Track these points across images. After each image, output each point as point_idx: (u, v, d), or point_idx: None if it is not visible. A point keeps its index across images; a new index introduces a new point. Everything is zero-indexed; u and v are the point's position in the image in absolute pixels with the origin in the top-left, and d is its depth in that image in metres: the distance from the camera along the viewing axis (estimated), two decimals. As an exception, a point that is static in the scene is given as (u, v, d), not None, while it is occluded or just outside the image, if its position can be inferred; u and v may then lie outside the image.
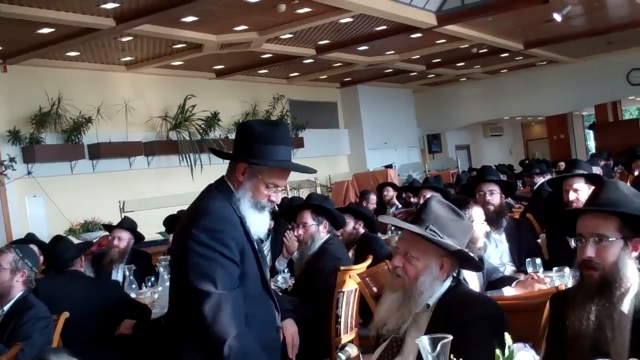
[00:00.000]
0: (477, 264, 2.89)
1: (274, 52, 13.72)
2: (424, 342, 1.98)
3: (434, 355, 1.96)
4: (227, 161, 3.14)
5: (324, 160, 18.47)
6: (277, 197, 3.04)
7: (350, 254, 5.73)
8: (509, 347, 1.86)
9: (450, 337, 1.97)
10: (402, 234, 2.82)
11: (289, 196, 9.47)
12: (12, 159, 8.91)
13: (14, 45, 10.66)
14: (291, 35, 12.66)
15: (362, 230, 6.10)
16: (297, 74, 16.98)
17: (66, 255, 4.71)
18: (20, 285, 4.14)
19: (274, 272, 6.00)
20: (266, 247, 6.70)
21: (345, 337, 4.75)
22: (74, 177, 12.19)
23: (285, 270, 5.73)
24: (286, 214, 5.48)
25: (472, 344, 2.29)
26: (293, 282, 5.43)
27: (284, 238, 5.91)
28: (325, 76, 17.75)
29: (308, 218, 4.82)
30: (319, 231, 4.82)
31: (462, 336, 2.20)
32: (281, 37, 12.63)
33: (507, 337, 1.88)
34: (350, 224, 5.98)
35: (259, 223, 3.01)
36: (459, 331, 2.23)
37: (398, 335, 2.68)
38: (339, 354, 4.74)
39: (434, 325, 2.55)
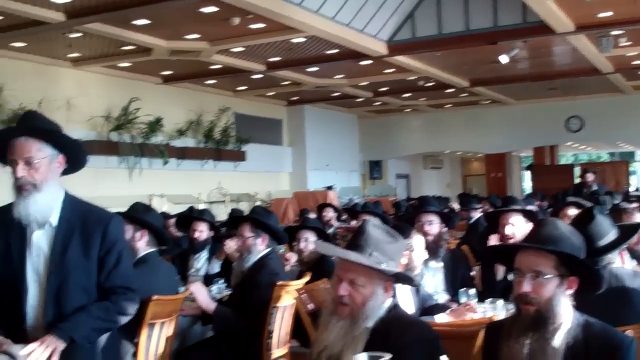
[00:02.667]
0: (414, 282, 2.96)
1: (224, 64, 13.66)
2: (361, 359, 2.00)
3: (371, 371, 1.98)
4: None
5: (265, 176, 18.45)
6: (17, 172, 3.01)
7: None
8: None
9: (390, 356, 1.99)
10: (342, 262, 2.77)
11: (230, 209, 9.40)
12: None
13: (-38, 30, 10.35)
14: (242, 49, 12.64)
15: None
16: (244, 87, 16.94)
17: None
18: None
19: (210, 279, 5.96)
20: (203, 257, 6.67)
21: (276, 352, 4.72)
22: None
23: (221, 281, 5.69)
24: (227, 225, 5.40)
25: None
26: (229, 292, 5.40)
27: (225, 244, 5.88)
28: (272, 93, 17.77)
29: (246, 230, 4.80)
30: (256, 244, 4.81)
31: (400, 357, 2.22)
32: (232, 49, 12.60)
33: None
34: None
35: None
36: (397, 352, 2.25)
37: (333, 354, 2.69)
38: (269, 368, 4.70)
39: (370, 346, 2.56)
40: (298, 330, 4.93)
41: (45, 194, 3.02)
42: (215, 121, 16.51)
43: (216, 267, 6.49)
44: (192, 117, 16.01)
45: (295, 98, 19.12)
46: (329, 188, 16.62)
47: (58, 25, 9.98)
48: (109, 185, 13.09)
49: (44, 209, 3.02)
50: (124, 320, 3.18)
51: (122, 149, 13.63)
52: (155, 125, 14.24)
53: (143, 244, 4.44)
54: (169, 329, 4.28)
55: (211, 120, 16.45)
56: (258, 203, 15.81)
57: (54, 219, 3.08)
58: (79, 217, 3.11)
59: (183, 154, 15.48)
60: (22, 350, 2.79)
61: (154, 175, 14.25)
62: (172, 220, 8.10)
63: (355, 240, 2.79)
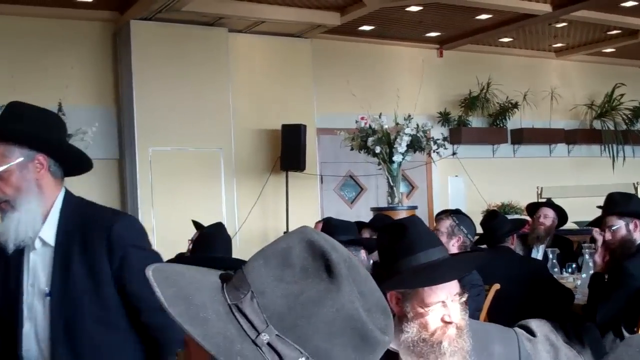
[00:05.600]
0: None
1: None
2: None
3: None
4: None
5: None
6: None
7: None
8: None
9: None
10: None
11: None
12: (445, 139, 9.47)
13: (451, 31, 11.25)
14: None
15: None
16: None
17: (500, 232, 4.92)
18: (455, 250, 4.44)
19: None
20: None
21: None
22: (494, 160, 12.56)
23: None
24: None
25: None
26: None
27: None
28: None
29: None
30: None
31: None
32: None
33: None
34: None
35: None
36: None
37: None
38: None
39: None
40: None
41: (25, 211, 2.31)
42: None
43: None
44: (681, 100, 14.91)
45: None
46: None
47: (544, 17, 10.20)
48: (591, 175, 12.95)
49: (25, 229, 2.31)
50: None
51: (604, 137, 13.37)
52: (640, 111, 13.68)
53: (638, 234, 4.36)
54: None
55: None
56: None
57: (50, 235, 2.36)
58: (78, 228, 2.36)
59: (671, 139, 14.55)
60: None
61: (637, 163, 13.67)
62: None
63: None
